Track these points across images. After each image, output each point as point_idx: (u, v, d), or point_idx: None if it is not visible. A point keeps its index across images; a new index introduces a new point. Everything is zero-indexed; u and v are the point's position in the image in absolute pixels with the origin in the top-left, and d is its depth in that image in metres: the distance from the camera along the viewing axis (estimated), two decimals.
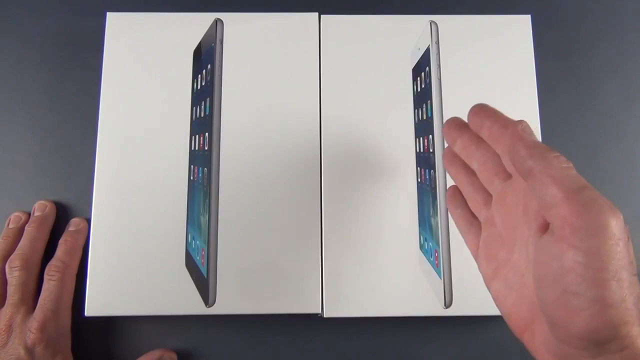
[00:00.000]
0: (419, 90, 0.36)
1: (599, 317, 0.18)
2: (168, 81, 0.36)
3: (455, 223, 0.29)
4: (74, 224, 0.35)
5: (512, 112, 0.35)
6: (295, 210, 0.34)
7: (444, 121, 0.29)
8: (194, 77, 0.36)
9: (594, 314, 0.18)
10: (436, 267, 0.33)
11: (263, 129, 0.35)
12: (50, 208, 0.35)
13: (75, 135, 0.37)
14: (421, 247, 0.34)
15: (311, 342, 0.35)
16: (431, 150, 0.34)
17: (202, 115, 0.35)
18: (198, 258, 0.33)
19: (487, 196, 0.26)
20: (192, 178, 0.34)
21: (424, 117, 0.35)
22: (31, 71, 0.38)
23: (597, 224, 0.19)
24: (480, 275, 0.33)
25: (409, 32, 0.37)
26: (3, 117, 0.37)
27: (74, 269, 0.34)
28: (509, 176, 0.25)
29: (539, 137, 0.35)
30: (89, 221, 0.34)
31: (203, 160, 0.34)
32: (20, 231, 0.34)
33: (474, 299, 0.33)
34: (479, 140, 0.26)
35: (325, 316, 0.33)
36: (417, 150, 0.35)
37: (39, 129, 0.37)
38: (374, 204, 0.34)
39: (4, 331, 0.31)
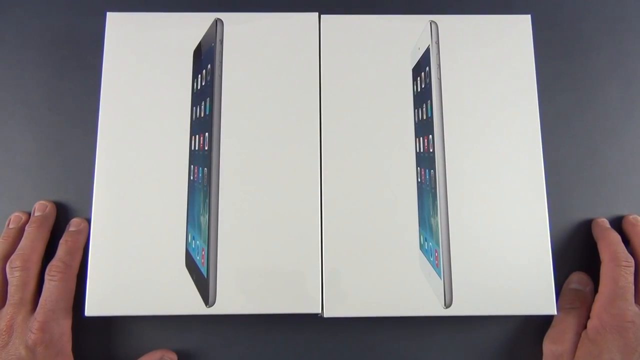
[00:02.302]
0: (419, 90, 0.36)
1: None
2: (168, 81, 0.36)
3: None
4: (74, 224, 0.35)
5: (512, 112, 0.35)
6: (295, 210, 0.34)
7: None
8: (194, 77, 0.36)
9: None
10: (436, 267, 0.33)
11: (263, 129, 0.35)
12: (50, 208, 0.35)
13: (75, 135, 0.37)
14: (421, 247, 0.34)
15: (311, 342, 0.35)
16: (431, 150, 0.34)
17: (202, 115, 0.35)
18: (198, 258, 0.33)
19: None
20: (192, 178, 0.34)
21: (424, 117, 0.35)
22: (31, 71, 0.38)
23: None
24: (480, 275, 0.33)
25: (409, 32, 0.37)
26: (3, 117, 0.37)
27: (74, 269, 0.34)
28: None
29: (538, 138, 0.35)
30: (89, 221, 0.34)
31: (203, 160, 0.34)
32: (20, 231, 0.35)
33: (474, 299, 0.33)
34: None
35: (325, 316, 0.33)
36: (417, 150, 0.35)
37: (39, 129, 0.37)
38: (374, 204, 0.34)
39: (4, 331, 0.31)
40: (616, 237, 0.35)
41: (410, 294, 0.33)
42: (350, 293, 0.33)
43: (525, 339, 0.36)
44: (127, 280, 0.33)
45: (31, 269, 0.33)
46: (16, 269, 0.32)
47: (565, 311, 0.34)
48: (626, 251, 0.34)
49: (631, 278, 0.33)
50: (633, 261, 0.33)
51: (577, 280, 0.36)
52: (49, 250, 0.34)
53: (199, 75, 0.36)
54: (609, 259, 0.34)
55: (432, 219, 0.34)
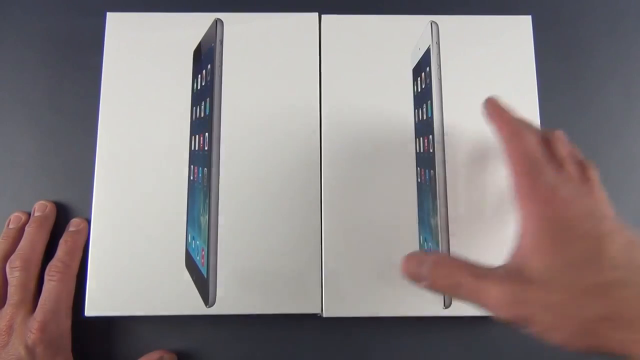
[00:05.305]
0: (419, 90, 0.36)
1: None
2: (168, 81, 0.36)
3: None
4: (74, 224, 0.35)
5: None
6: (295, 211, 0.34)
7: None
8: (194, 77, 0.36)
9: None
10: None
11: (263, 129, 0.35)
12: (50, 208, 0.35)
13: (75, 135, 0.37)
14: (421, 247, 0.34)
15: (311, 342, 0.35)
16: (431, 151, 0.34)
17: (202, 115, 0.35)
18: (198, 258, 0.33)
19: None
20: (192, 178, 0.34)
21: (424, 117, 0.35)
22: (31, 71, 0.38)
23: None
24: None
25: (409, 32, 0.37)
26: (3, 117, 0.37)
27: (74, 270, 0.34)
28: None
29: None
30: (89, 221, 0.34)
31: (203, 160, 0.34)
32: (20, 231, 0.34)
33: None
34: None
35: (325, 316, 0.33)
36: (417, 150, 0.35)
37: (39, 129, 0.37)
38: (374, 205, 0.34)
39: (4, 331, 0.31)
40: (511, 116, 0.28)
41: (410, 294, 0.33)
42: (350, 293, 0.33)
43: (525, 339, 0.36)
44: (127, 281, 0.33)
45: (31, 269, 0.33)
46: (16, 269, 0.32)
47: None
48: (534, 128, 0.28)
49: (542, 147, 0.26)
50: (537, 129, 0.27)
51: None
52: (48, 250, 0.34)
53: (199, 76, 0.36)
54: (508, 134, 0.27)
55: (432, 219, 0.34)
